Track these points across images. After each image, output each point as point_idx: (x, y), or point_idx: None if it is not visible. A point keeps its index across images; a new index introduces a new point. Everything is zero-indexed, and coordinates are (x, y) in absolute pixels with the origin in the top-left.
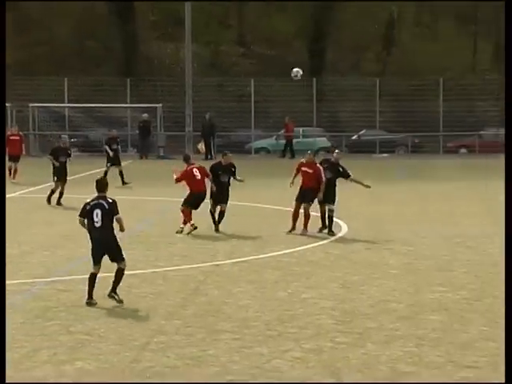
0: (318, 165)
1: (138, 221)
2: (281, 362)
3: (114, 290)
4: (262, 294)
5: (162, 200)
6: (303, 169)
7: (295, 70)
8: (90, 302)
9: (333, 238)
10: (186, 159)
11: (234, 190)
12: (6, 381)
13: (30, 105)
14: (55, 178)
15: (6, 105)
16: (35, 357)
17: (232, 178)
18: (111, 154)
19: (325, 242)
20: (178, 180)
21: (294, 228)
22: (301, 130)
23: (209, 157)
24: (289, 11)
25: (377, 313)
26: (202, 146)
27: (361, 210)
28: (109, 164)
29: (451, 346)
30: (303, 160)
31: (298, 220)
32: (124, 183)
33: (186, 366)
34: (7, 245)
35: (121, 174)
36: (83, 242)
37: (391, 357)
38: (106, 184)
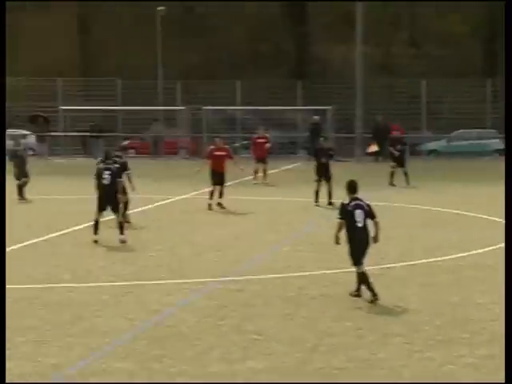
0: None
1: (304, 223)
2: (454, 368)
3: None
4: (433, 298)
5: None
6: None
7: None
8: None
9: None
10: None
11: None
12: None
13: (203, 107)
14: (317, 178)
15: (182, 108)
16: (208, 355)
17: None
18: (396, 154)
19: (499, 245)
20: None
21: None
22: (472, 131)
23: (380, 159)
24: (462, 11)
25: None
26: (373, 148)
27: None
28: (394, 164)
29: None
30: None
31: None
32: (408, 183)
33: (356, 369)
34: (181, 245)
35: (405, 174)
36: (253, 243)
37: None
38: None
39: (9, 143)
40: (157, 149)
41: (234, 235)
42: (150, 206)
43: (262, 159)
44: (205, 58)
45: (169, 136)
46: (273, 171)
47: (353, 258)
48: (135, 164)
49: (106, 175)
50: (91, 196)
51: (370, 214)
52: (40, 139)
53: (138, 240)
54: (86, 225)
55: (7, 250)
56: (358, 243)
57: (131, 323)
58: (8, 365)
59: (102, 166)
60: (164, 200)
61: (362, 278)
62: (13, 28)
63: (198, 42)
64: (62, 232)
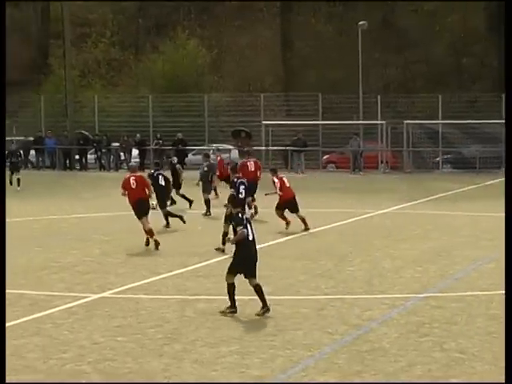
0: None
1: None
2: None
3: None
4: None
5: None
6: None
7: None
8: None
9: None
10: None
11: None
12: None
13: (404, 121)
14: None
15: (382, 122)
16: (410, 371)
17: None
18: None
19: None
20: None
21: None
22: None
23: None
24: None
25: None
26: None
27: None
28: None
29: None
30: None
31: None
32: None
33: None
34: (382, 259)
35: None
36: (455, 259)
37: None
38: None
39: (198, 158)
40: (357, 163)
41: (435, 250)
42: (350, 219)
43: None
44: (404, 71)
45: (369, 150)
46: (475, 186)
47: None
48: (334, 178)
49: None
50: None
51: None
52: (242, 154)
53: (336, 253)
54: (285, 238)
55: (211, 261)
56: None
57: (331, 337)
58: (213, 374)
59: None
60: (364, 214)
61: None
62: (219, 44)
63: (397, 55)
64: (263, 245)
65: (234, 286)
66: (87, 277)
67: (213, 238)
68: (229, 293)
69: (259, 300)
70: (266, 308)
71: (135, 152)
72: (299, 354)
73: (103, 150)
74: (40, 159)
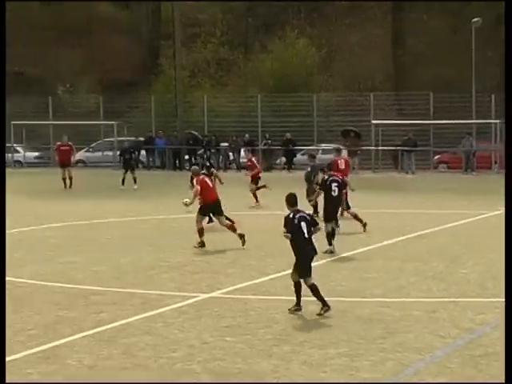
0: None
1: None
2: None
3: None
4: None
5: None
6: None
7: None
8: None
9: None
10: None
11: None
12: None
13: None
14: None
15: (496, 121)
16: None
17: None
18: None
19: None
20: None
21: None
22: None
23: None
24: None
25: None
26: None
27: None
28: None
29: None
30: None
31: None
32: None
33: None
34: (495, 262)
35: None
36: None
37: None
38: None
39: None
40: (469, 163)
41: None
42: (463, 221)
43: None
44: None
45: (482, 150)
46: None
47: None
48: (446, 178)
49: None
50: (399, 210)
51: None
52: (351, 154)
53: (448, 255)
54: (395, 240)
55: (320, 262)
56: None
57: (443, 340)
58: (322, 376)
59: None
60: (477, 215)
61: None
62: (329, 43)
63: None
64: (372, 246)
65: (300, 284)
66: (197, 276)
67: (319, 240)
68: (296, 291)
69: (317, 300)
70: (325, 307)
71: (243, 152)
72: (410, 358)
73: (212, 150)
74: (150, 159)
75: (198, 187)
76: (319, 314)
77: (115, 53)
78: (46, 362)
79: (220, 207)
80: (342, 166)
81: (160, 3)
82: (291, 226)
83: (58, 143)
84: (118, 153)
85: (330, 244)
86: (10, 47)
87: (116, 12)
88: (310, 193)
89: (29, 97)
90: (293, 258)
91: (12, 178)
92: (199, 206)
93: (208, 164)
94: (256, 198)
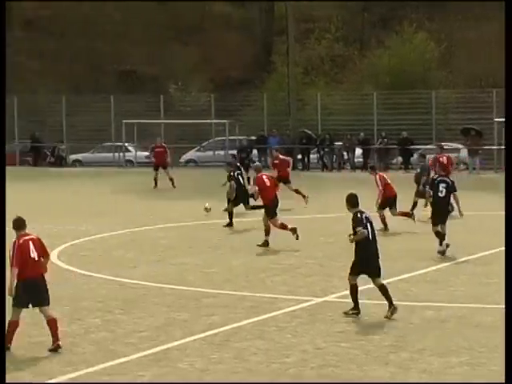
0: None
1: None
2: None
3: None
4: None
5: None
6: None
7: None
8: None
9: None
10: None
11: None
12: None
13: None
14: None
15: None
16: None
17: None
18: None
19: None
20: None
21: None
22: None
23: None
24: None
25: None
26: None
27: None
28: None
29: None
30: None
31: None
32: None
33: None
34: None
35: None
36: None
37: None
38: None
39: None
40: None
41: None
42: None
43: None
44: None
45: None
46: None
47: None
48: None
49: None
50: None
51: None
52: (472, 153)
53: None
54: None
55: (438, 266)
56: None
57: None
58: None
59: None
60: None
61: None
62: (448, 38)
63: None
64: (493, 250)
65: (357, 287)
66: (309, 279)
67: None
68: (351, 294)
69: (386, 300)
70: (392, 308)
71: (358, 151)
72: None
73: (326, 149)
74: (262, 159)
75: (256, 188)
76: (387, 317)
77: (228, 50)
78: (158, 365)
79: (276, 207)
80: (445, 161)
81: (273, 3)
82: (360, 224)
83: (153, 145)
84: (235, 151)
85: (441, 244)
86: (121, 46)
87: (231, 11)
88: (418, 194)
89: (141, 95)
90: (410, 262)
91: (123, 177)
92: (263, 207)
93: (238, 164)
94: (300, 193)
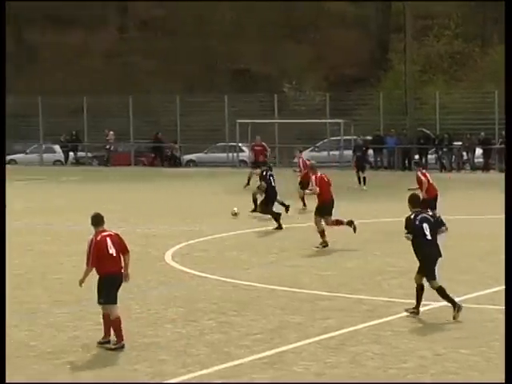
0: None
1: None
2: None
3: None
4: None
5: None
6: None
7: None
8: None
9: None
10: None
11: None
12: None
13: None
14: None
15: None
16: None
17: None
18: None
19: None
20: None
21: None
22: None
23: None
24: None
25: None
26: None
27: None
28: None
29: None
30: None
31: None
32: None
33: None
34: None
35: None
36: None
37: None
38: None
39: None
40: None
41: None
42: None
43: None
44: None
45: None
46: None
47: None
48: None
49: None
50: None
51: None
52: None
53: None
54: None
55: None
56: None
57: None
58: None
59: None
60: None
61: None
62: None
63: None
64: None
65: (423, 288)
66: (426, 283)
67: None
68: (417, 294)
69: (448, 302)
70: (457, 307)
71: (479, 151)
72: None
73: (444, 150)
74: (378, 159)
75: (317, 188)
76: (454, 318)
77: (342, 48)
78: (273, 368)
79: (333, 207)
80: None
81: (391, 2)
82: (412, 226)
83: (253, 143)
84: (353, 149)
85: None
86: (234, 45)
87: (346, 8)
88: None
89: (255, 95)
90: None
91: (236, 177)
92: (316, 207)
93: (271, 165)
94: (304, 202)
